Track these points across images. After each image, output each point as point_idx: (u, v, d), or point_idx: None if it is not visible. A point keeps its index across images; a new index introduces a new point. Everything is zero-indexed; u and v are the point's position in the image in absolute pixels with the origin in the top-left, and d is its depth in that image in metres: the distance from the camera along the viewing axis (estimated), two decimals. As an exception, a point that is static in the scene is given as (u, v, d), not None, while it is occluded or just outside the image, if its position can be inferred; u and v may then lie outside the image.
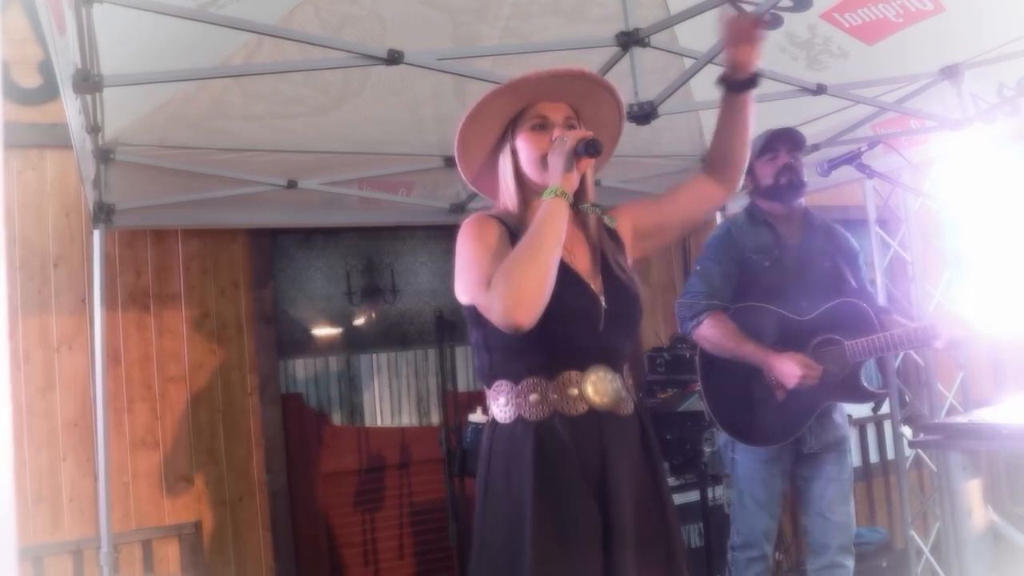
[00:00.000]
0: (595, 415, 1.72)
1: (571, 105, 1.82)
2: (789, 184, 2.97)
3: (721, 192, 1.96)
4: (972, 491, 2.23)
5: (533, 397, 1.71)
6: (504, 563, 1.68)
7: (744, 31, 1.78)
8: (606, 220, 1.85)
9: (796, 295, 2.93)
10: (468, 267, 1.71)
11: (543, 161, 1.74)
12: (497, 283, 1.58)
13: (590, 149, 1.67)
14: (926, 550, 4.42)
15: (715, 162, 1.95)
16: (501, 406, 1.75)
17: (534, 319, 1.58)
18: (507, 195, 1.82)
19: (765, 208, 3.05)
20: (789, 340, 2.85)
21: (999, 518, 2.25)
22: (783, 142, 3.00)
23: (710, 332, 2.88)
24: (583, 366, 1.73)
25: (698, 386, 3.09)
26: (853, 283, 3.06)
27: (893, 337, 2.80)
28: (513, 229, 1.75)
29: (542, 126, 1.77)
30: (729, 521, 3.16)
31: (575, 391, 1.71)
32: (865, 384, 2.96)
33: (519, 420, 1.72)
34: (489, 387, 1.80)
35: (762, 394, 2.87)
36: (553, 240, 1.62)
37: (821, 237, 3.06)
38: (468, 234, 1.74)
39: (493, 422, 1.79)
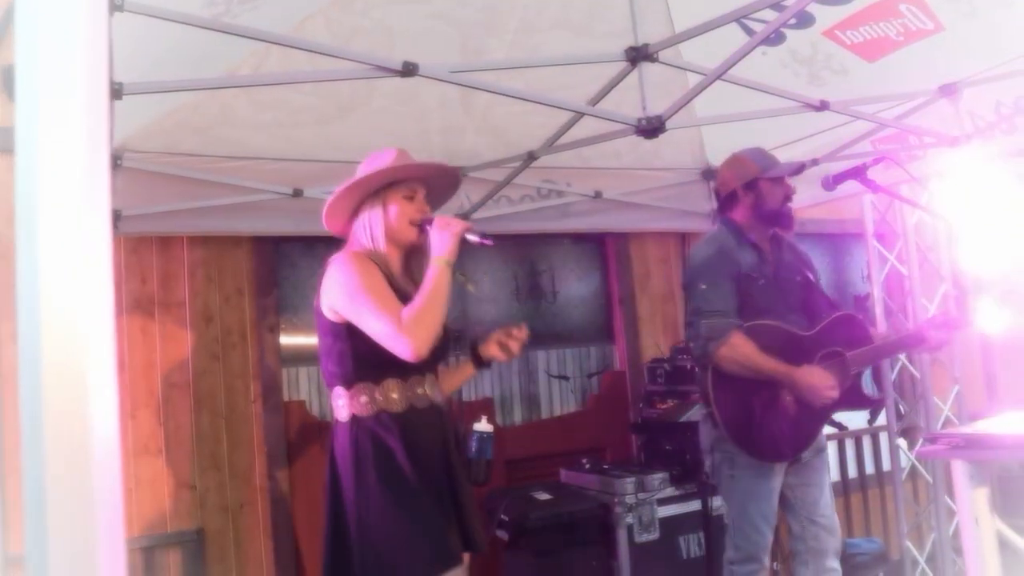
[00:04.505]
0: (434, 408, 2.27)
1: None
2: (790, 213, 3.04)
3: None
4: (979, 500, 2.28)
5: (394, 395, 2.20)
6: (395, 530, 2.10)
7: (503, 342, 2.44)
8: (470, 288, 2.35)
9: (784, 311, 2.98)
10: (374, 299, 2.12)
11: (412, 225, 2.30)
12: (414, 326, 2.06)
13: (475, 238, 2.24)
14: (921, 560, 4.47)
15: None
16: (362, 403, 2.19)
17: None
18: (376, 239, 2.30)
19: (747, 228, 3.03)
20: (799, 355, 2.87)
21: (1005, 527, 2.30)
22: (790, 173, 3.08)
23: (737, 352, 2.81)
24: (423, 371, 2.26)
25: (709, 408, 2.91)
26: (824, 294, 3.14)
27: (888, 346, 2.96)
28: (384, 271, 2.23)
29: (412, 198, 2.33)
30: (729, 532, 3.13)
31: (421, 390, 2.25)
32: (866, 391, 3.03)
33: (382, 412, 2.18)
34: (348, 388, 2.21)
35: (777, 410, 2.86)
36: (447, 298, 2.17)
37: (788, 253, 3.12)
38: (362, 270, 2.18)
39: (353, 417, 2.19)
